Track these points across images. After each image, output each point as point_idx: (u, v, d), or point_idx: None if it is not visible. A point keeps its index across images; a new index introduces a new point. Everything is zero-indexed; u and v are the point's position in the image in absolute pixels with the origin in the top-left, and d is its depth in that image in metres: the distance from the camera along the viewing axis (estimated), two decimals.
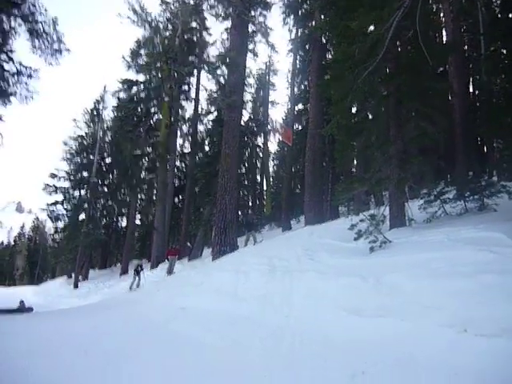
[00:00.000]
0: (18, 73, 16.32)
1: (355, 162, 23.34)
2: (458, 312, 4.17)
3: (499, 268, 4.62)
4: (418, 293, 4.86)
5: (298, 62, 29.44)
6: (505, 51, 12.12)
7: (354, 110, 12.64)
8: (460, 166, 16.61)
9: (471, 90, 25.34)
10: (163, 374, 4.47)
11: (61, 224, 38.88)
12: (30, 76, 16.62)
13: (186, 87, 29.47)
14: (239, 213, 31.95)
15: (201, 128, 33.54)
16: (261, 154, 39.86)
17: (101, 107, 38.04)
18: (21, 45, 16.44)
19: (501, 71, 12.57)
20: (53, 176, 36.52)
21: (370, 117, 11.87)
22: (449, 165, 19.39)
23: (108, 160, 38.29)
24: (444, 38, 21.74)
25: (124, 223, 44.96)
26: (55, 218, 38.11)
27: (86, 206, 34.70)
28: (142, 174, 31.26)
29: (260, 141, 37.22)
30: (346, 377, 3.69)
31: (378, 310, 4.99)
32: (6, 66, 16.07)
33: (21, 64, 16.27)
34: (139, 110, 25.66)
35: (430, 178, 10.24)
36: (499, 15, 12.84)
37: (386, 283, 5.46)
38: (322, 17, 20.81)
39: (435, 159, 11.75)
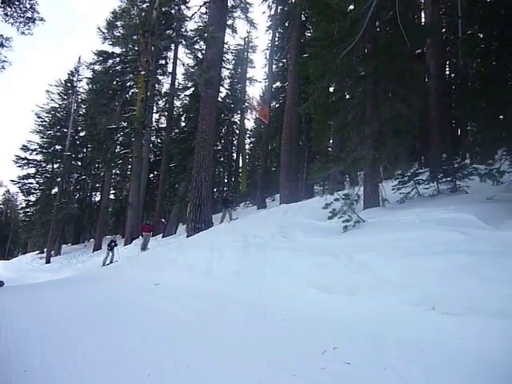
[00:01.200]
0: None
1: (331, 141, 23.40)
2: (427, 291, 4.25)
3: (469, 248, 4.72)
4: (388, 271, 4.94)
5: (276, 39, 29.24)
6: (481, 35, 12.22)
7: (331, 89, 12.63)
8: (434, 148, 16.79)
9: (447, 72, 25.58)
10: (133, 347, 4.47)
11: (33, 198, 38.35)
12: (1, 45, 16.15)
13: (162, 61, 29.15)
14: (214, 190, 31.89)
15: (177, 103, 33.39)
16: (237, 131, 39.73)
17: (75, 79, 37.40)
18: None
19: (477, 55, 12.67)
20: (24, 149, 35.83)
21: (347, 97, 11.88)
22: (423, 147, 19.62)
23: (82, 133, 37.82)
24: (423, 20, 21.76)
25: (98, 198, 44.61)
26: (27, 192, 37.63)
27: (59, 179, 34.23)
28: (117, 149, 30.88)
29: (237, 118, 37.15)
30: (317, 352, 3.74)
31: (348, 288, 5.07)
32: None
33: None
34: (115, 83, 25.23)
35: (405, 160, 10.31)
36: None
37: (358, 262, 5.53)
38: None
39: (410, 141, 11.83)
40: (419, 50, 19.24)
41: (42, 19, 16.76)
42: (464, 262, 4.39)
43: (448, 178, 10.05)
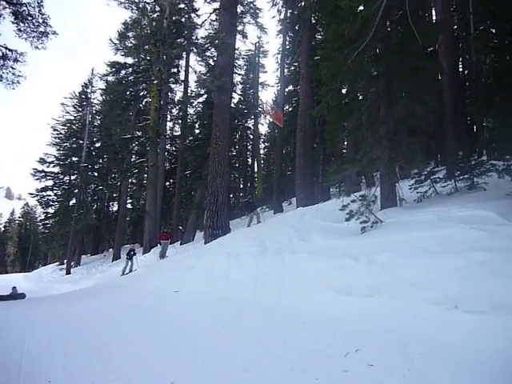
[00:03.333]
0: (4, 56, 16.08)
1: (346, 143, 23.29)
2: (447, 289, 4.20)
3: (490, 245, 4.65)
4: (408, 271, 4.89)
5: (287, 42, 29.24)
6: (494, 30, 12.09)
7: (344, 90, 12.58)
8: (450, 145, 16.63)
9: (461, 69, 25.34)
10: (155, 354, 4.50)
11: (51, 210, 38.72)
12: (16, 60, 16.38)
13: (175, 70, 29.35)
14: (231, 196, 31.91)
15: (191, 111, 33.45)
16: (251, 136, 39.74)
17: (89, 91, 37.73)
18: (6, 28, 16.14)
19: (490, 50, 12.54)
20: (42, 161, 36.23)
21: (360, 97, 11.83)
22: (439, 145, 19.41)
23: (97, 144, 38.18)
24: (433, 18, 21.60)
25: (115, 208, 44.95)
26: (45, 204, 38.00)
27: (76, 191, 34.61)
28: (133, 158, 31.09)
29: (250, 123, 37.15)
30: (339, 355, 3.72)
31: (368, 289, 5.03)
32: None
33: (6, 47, 16.01)
34: (128, 93, 25.44)
35: (421, 158, 10.21)
36: None
37: (377, 263, 5.48)
38: None
39: (425, 139, 11.74)
40: (431, 48, 19.03)
41: (54, 33, 16.98)
42: (485, 260, 4.33)
43: (465, 176, 9.96)
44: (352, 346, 3.84)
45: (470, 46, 18.00)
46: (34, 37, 16.52)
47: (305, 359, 3.79)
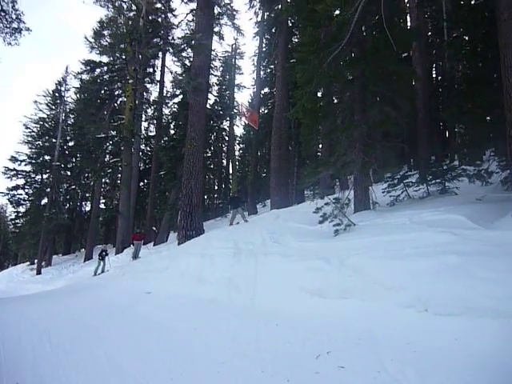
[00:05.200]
0: None
1: (321, 146, 23.45)
2: (419, 292, 4.26)
3: (460, 249, 4.74)
4: (380, 274, 4.94)
5: (264, 45, 29.23)
6: (467, 38, 12.34)
7: (319, 93, 12.66)
8: (423, 150, 16.93)
9: (434, 75, 25.81)
10: (127, 355, 4.44)
11: (22, 209, 37.99)
12: None
13: (150, 69, 29.10)
14: (205, 197, 31.80)
15: (166, 111, 33.22)
16: (227, 138, 39.72)
17: (63, 89, 37.05)
18: None
19: (463, 57, 12.80)
20: (13, 160, 35.54)
21: (336, 101, 11.92)
22: (412, 149, 19.73)
23: (71, 143, 37.57)
24: (408, 24, 21.94)
25: (88, 208, 44.31)
26: (16, 203, 37.24)
27: (48, 190, 33.99)
28: (106, 158, 30.70)
29: (226, 124, 37.13)
30: (311, 357, 3.73)
31: (341, 291, 5.07)
32: None
33: None
34: (103, 92, 25.14)
35: (394, 162, 10.37)
36: (462, 2, 13.03)
37: (350, 265, 5.52)
38: None
39: (399, 143, 11.91)
40: (406, 54, 19.36)
41: (28, 29, 16.66)
42: (455, 263, 4.41)
43: (437, 180, 10.13)
44: (324, 348, 3.86)
45: (443, 53, 18.31)
46: (6, 33, 16.19)
47: (277, 361, 3.78)
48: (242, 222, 14.64)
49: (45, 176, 37.18)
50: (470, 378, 2.95)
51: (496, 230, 5.42)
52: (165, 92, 31.11)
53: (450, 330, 3.60)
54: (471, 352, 3.23)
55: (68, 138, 37.45)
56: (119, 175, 34.53)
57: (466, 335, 3.46)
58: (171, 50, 21.41)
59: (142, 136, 34.93)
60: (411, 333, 3.78)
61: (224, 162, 44.06)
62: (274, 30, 26.30)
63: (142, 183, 38.53)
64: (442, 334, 3.61)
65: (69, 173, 37.32)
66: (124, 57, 23.01)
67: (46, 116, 38.06)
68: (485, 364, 3.08)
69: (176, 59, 23.62)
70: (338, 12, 9.59)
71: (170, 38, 22.00)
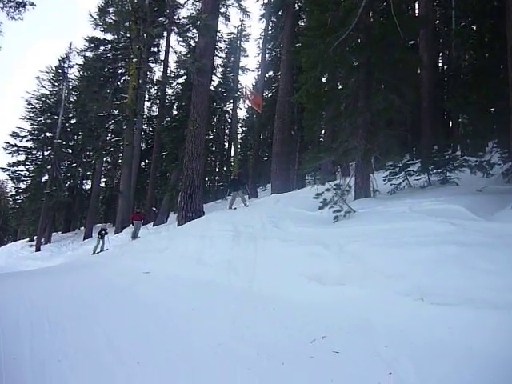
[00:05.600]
0: None
1: (323, 131, 23.35)
2: (416, 281, 4.28)
3: (460, 239, 4.75)
4: (379, 262, 4.96)
5: (270, 28, 28.94)
6: (474, 27, 12.23)
7: (324, 79, 12.59)
8: (425, 139, 16.85)
9: (440, 64, 25.59)
10: (125, 334, 4.48)
11: (23, 185, 37.93)
12: None
13: (155, 49, 28.80)
14: (206, 179, 31.79)
15: (169, 91, 32.99)
16: (229, 120, 39.57)
17: (66, 66, 36.67)
18: None
19: (470, 47, 12.71)
20: (15, 135, 35.36)
21: (340, 87, 11.85)
22: (415, 138, 19.67)
23: (73, 121, 37.33)
24: (416, 11, 21.69)
25: (88, 186, 44.21)
26: (17, 179, 37.16)
27: (49, 167, 33.85)
28: (108, 136, 30.60)
29: (229, 107, 36.90)
30: (306, 341, 3.76)
31: (339, 277, 5.09)
32: None
33: None
34: (106, 70, 24.89)
35: (396, 151, 10.33)
36: None
37: (349, 252, 5.54)
38: None
39: (402, 132, 11.89)
40: (412, 42, 19.19)
41: (32, 4, 16.46)
42: (454, 253, 4.42)
43: (439, 170, 10.12)
44: (320, 333, 3.89)
45: (450, 42, 18.18)
46: (10, 7, 16.01)
47: (273, 344, 3.82)
48: (242, 206, 14.54)
49: (46, 153, 36.99)
50: (463, 368, 2.97)
51: (496, 221, 5.43)
52: (168, 72, 30.92)
53: (446, 319, 3.62)
54: (466, 343, 3.24)
55: (70, 115, 37.19)
56: (120, 154, 34.33)
57: (461, 326, 3.47)
58: (176, 30, 21.19)
59: (144, 116, 34.71)
60: (407, 321, 3.81)
61: (226, 144, 43.99)
62: (280, 13, 26.00)
63: (143, 163, 38.41)
64: (438, 323, 3.62)
65: (70, 150, 37.15)
66: (128, 35, 22.80)
67: (48, 92, 37.74)
68: (479, 355, 3.08)
69: (181, 39, 23.37)
70: None
71: (175, 17, 21.75)
